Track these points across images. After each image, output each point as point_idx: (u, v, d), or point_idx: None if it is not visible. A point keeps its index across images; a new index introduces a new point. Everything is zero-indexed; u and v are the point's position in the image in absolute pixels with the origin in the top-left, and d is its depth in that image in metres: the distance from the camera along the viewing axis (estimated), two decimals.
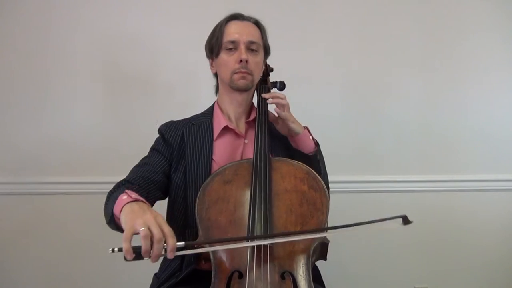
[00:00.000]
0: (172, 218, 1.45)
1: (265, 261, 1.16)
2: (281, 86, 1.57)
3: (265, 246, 1.17)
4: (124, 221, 1.06)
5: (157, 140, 1.50)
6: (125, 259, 0.98)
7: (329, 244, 1.29)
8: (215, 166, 1.42)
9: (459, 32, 2.34)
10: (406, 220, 1.13)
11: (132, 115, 2.19)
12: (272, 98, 1.45)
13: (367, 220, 2.19)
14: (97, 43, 2.16)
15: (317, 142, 1.51)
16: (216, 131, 1.47)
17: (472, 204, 2.36)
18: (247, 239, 1.18)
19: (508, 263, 2.38)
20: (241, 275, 1.16)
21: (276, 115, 1.47)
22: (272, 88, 1.56)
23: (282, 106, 1.43)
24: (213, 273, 1.18)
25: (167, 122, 1.52)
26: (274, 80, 1.59)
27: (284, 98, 1.44)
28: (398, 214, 1.13)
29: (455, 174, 2.35)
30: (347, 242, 2.21)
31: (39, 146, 2.13)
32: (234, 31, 1.44)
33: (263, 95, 1.49)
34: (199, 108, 1.58)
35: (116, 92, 2.20)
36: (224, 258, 1.20)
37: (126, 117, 2.18)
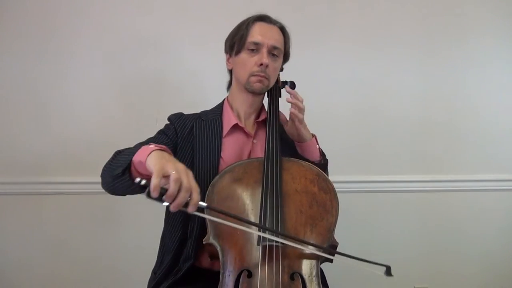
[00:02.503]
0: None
1: (276, 261, 1.15)
2: (292, 85, 1.55)
3: (276, 246, 1.16)
4: (153, 163, 1.03)
5: (166, 125, 1.50)
6: (148, 195, 0.97)
7: None
8: (222, 164, 1.41)
9: (459, 31, 2.36)
10: (388, 272, 1.26)
11: (134, 115, 2.17)
12: (292, 97, 1.43)
13: (366, 222, 2.20)
14: (102, 43, 2.15)
15: (323, 152, 1.51)
16: (226, 129, 1.47)
17: (472, 204, 2.37)
18: (259, 227, 1.18)
19: (508, 263, 2.40)
20: (250, 274, 1.16)
21: (287, 117, 1.47)
22: (282, 87, 1.56)
23: (299, 109, 1.41)
24: (221, 271, 1.18)
25: (177, 113, 1.52)
26: (285, 80, 1.58)
27: (302, 102, 1.43)
28: (384, 263, 1.28)
29: (455, 174, 2.36)
30: (347, 242, 2.21)
31: (39, 146, 2.11)
32: (259, 32, 1.42)
33: (288, 90, 1.46)
34: (205, 108, 1.58)
35: (118, 92, 2.18)
36: (234, 256, 1.19)
37: (128, 117, 2.17)
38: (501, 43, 2.38)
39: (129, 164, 1.15)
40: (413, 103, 2.35)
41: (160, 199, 0.98)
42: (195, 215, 1.26)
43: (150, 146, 1.13)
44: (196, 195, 1.01)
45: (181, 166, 1.03)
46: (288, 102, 1.43)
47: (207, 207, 1.06)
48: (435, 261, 2.38)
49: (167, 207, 1.00)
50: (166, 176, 0.99)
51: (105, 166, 1.29)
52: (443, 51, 2.35)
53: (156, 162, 1.03)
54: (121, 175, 1.16)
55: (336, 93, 2.30)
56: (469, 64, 2.37)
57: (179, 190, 0.99)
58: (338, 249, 1.29)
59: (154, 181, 0.96)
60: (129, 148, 1.31)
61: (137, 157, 1.12)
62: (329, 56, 2.29)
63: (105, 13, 2.14)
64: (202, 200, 1.23)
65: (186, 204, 1.01)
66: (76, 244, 2.15)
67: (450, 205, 2.37)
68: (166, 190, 0.98)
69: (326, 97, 2.28)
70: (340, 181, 2.15)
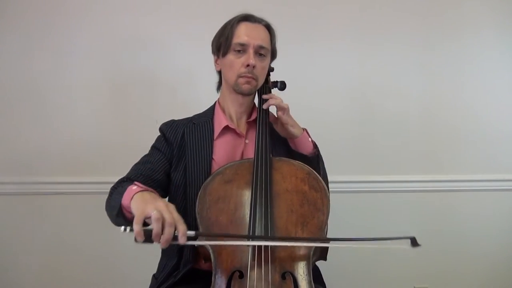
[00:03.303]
0: None
1: (266, 261, 1.16)
2: (282, 86, 1.55)
3: (266, 246, 1.17)
4: (135, 208, 1.09)
5: (158, 139, 1.50)
6: (136, 240, 1.00)
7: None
8: (215, 166, 1.41)
9: (459, 30, 2.34)
10: (414, 242, 1.17)
11: (132, 115, 2.18)
12: (270, 100, 1.44)
13: (366, 222, 2.20)
14: (98, 43, 2.15)
15: (316, 144, 1.51)
16: (217, 131, 1.47)
17: (472, 204, 2.36)
18: (248, 238, 1.19)
19: (508, 263, 2.38)
20: (241, 275, 1.16)
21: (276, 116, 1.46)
22: (272, 88, 1.55)
23: (282, 109, 1.42)
24: (213, 272, 1.18)
25: (168, 121, 1.52)
26: (275, 80, 1.57)
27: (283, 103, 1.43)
28: (406, 235, 1.16)
29: (455, 174, 2.35)
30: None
31: (39, 146, 2.13)
32: (244, 33, 1.41)
33: (263, 96, 1.48)
34: (200, 108, 1.58)
35: (116, 92, 2.19)
36: (225, 257, 1.19)
37: (126, 117, 2.18)
38: (502, 43, 2.36)
39: (120, 207, 1.20)
40: (413, 103, 2.34)
41: (149, 240, 1.01)
42: (193, 221, 1.29)
43: (133, 187, 1.18)
44: (181, 226, 1.04)
45: (161, 204, 1.06)
46: (267, 106, 1.45)
47: (196, 234, 1.09)
48: (435, 261, 2.36)
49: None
50: (149, 217, 1.02)
51: (106, 203, 1.33)
52: (443, 51, 2.34)
53: (138, 207, 1.08)
54: (116, 217, 1.22)
55: (335, 93, 2.29)
56: (470, 63, 2.35)
57: (163, 228, 1.02)
58: (330, 248, 1.30)
59: (135, 228, 1.00)
60: (123, 181, 1.35)
61: (124, 201, 1.18)
62: (330, 56, 2.28)
63: (103, 14, 2.15)
64: (196, 202, 1.26)
65: (176, 237, 1.03)
66: (76, 244, 2.16)
67: (450, 205, 2.36)
68: (151, 230, 1.01)
69: (325, 97, 2.27)
70: (340, 181, 2.17)
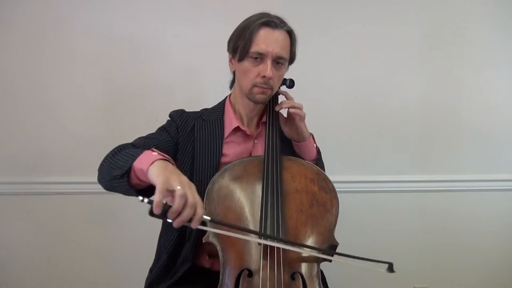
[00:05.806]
0: None
1: (277, 261, 1.15)
2: (291, 83, 1.53)
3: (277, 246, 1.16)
4: (156, 175, 1.01)
5: (168, 122, 1.47)
6: (151, 212, 0.95)
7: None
8: (223, 165, 1.39)
9: (459, 31, 2.35)
10: (391, 268, 1.24)
11: (132, 115, 2.16)
12: (290, 108, 1.41)
13: (366, 222, 2.18)
14: (97, 43, 2.13)
15: (319, 151, 1.50)
16: (227, 131, 1.44)
17: (472, 204, 2.37)
18: (260, 235, 1.17)
19: (508, 263, 2.40)
20: (251, 274, 1.15)
21: (285, 116, 1.46)
22: (281, 86, 1.53)
23: (299, 117, 1.40)
24: (221, 270, 1.17)
25: (179, 110, 1.49)
26: (283, 77, 1.55)
27: (301, 108, 1.41)
28: (387, 260, 1.25)
29: (455, 174, 2.36)
30: (347, 242, 2.21)
31: (39, 146, 2.11)
32: (264, 41, 1.32)
33: (278, 107, 1.45)
34: (201, 107, 1.56)
35: (116, 92, 2.17)
36: (234, 255, 1.19)
37: (126, 117, 2.16)
38: (502, 43, 2.37)
39: (129, 168, 1.12)
40: (413, 103, 2.34)
41: (164, 215, 0.96)
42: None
43: (153, 153, 1.11)
44: (200, 210, 1.00)
45: (185, 180, 1.01)
46: (287, 109, 1.42)
47: (210, 220, 1.05)
48: (435, 261, 2.38)
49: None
50: (170, 190, 0.98)
51: (104, 161, 1.24)
52: (444, 51, 2.35)
53: (160, 174, 1.01)
54: (119, 178, 1.13)
55: (335, 92, 2.29)
56: (470, 63, 2.36)
57: (183, 206, 0.97)
58: (338, 249, 1.29)
59: (157, 198, 0.94)
60: (131, 146, 1.29)
61: (138, 164, 1.09)
62: (330, 56, 2.28)
63: (101, 15, 2.13)
64: (203, 198, 1.24)
65: (189, 219, 1.00)
66: (75, 244, 2.15)
67: (450, 205, 2.37)
68: (169, 206, 0.96)
69: (325, 96, 2.27)
70: (340, 181, 2.15)
